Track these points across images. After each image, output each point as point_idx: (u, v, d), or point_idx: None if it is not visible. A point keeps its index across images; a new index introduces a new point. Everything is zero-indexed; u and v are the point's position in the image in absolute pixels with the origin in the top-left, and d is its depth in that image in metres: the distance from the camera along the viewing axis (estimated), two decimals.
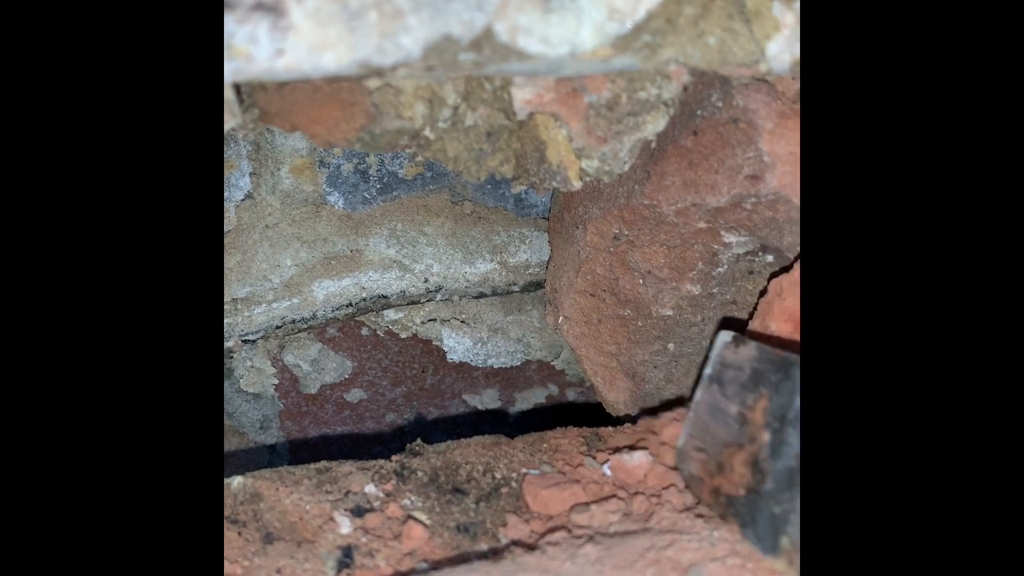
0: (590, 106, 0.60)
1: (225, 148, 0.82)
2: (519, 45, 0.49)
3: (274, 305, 0.88)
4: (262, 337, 0.90)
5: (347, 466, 0.67)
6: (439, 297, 0.93)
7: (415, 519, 0.62)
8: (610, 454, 0.70)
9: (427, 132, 0.61)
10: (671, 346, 0.77)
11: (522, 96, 0.59)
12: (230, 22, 0.45)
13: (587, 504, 0.63)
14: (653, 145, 0.65)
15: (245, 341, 0.89)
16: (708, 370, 0.64)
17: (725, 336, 0.63)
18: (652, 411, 0.79)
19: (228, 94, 0.53)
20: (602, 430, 0.74)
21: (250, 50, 0.46)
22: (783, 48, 0.53)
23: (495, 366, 1.01)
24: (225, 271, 0.85)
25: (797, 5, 0.52)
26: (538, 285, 0.95)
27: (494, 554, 0.59)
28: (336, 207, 0.87)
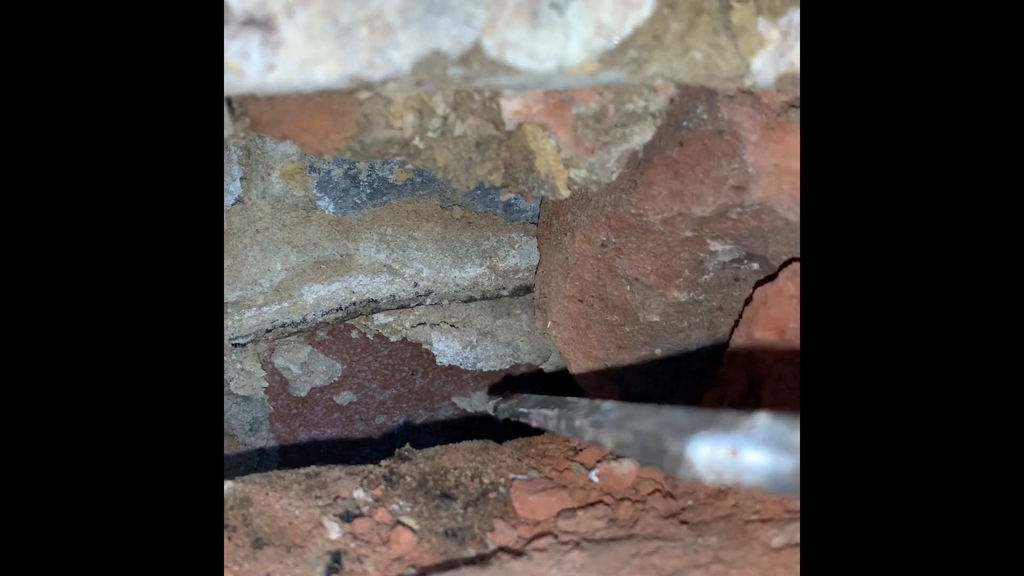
0: (578, 117, 0.61)
1: None
2: (507, 60, 0.50)
3: (264, 309, 0.88)
4: (252, 340, 0.90)
5: (336, 471, 0.68)
6: (429, 301, 0.93)
7: (404, 524, 0.63)
8: (598, 460, 0.70)
9: (417, 141, 0.61)
10: (658, 351, 0.78)
11: (511, 107, 0.60)
12: None
13: (574, 510, 0.64)
14: (640, 155, 0.65)
15: (235, 344, 0.89)
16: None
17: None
18: None
19: None
20: None
21: (241, 65, 0.46)
22: (768, 64, 0.54)
23: (484, 369, 1.02)
24: None
25: (782, 21, 0.53)
26: (527, 289, 0.95)
27: (481, 560, 0.60)
28: (326, 212, 0.87)
